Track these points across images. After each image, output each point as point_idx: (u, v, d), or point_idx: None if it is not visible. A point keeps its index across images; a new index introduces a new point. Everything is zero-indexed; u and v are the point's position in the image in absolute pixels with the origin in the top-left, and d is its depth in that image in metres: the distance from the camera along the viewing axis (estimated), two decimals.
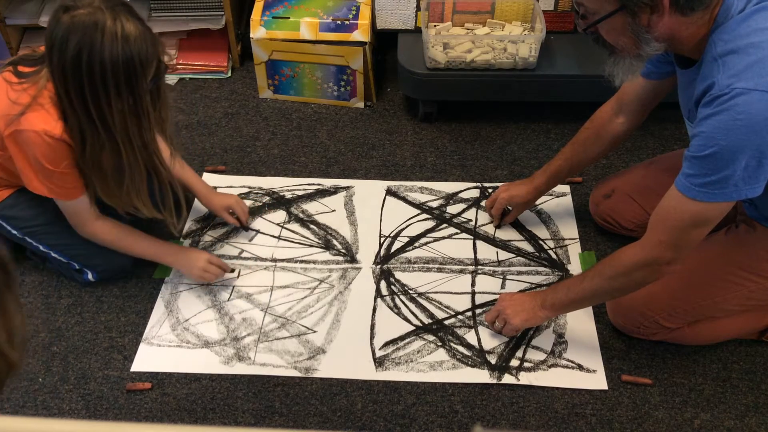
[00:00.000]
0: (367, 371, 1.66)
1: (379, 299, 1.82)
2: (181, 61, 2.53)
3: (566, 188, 2.12)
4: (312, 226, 2.01)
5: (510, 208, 1.95)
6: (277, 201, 2.08)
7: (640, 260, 1.42)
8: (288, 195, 2.10)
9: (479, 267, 1.90)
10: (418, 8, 2.33)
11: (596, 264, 1.54)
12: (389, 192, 2.12)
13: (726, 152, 1.21)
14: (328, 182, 2.14)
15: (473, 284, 1.86)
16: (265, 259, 1.91)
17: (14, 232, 1.77)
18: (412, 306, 1.80)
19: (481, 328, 1.75)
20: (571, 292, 1.56)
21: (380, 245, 1.96)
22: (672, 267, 1.40)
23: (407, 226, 2.01)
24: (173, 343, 1.72)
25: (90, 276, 1.81)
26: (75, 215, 1.69)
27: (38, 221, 1.75)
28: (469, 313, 1.78)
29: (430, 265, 1.90)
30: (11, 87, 1.51)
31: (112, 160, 1.54)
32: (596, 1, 1.27)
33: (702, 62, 1.29)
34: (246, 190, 2.12)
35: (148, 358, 1.69)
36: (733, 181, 1.24)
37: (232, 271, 1.85)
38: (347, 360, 1.68)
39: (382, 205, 2.08)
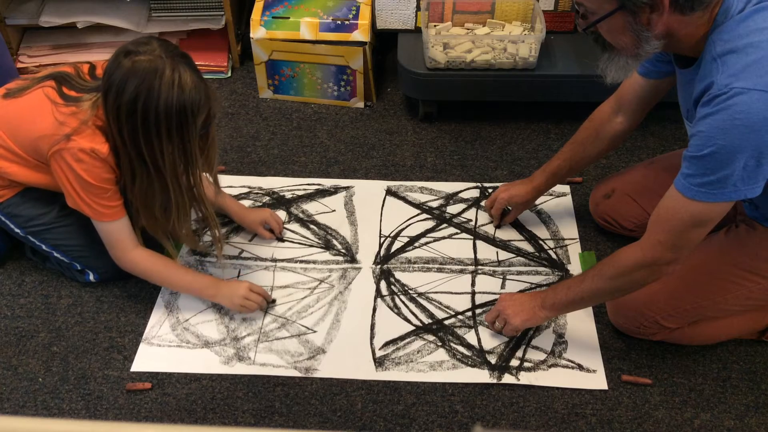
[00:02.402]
0: (367, 371, 1.66)
1: (379, 299, 1.82)
2: None
3: (566, 188, 2.12)
4: (312, 226, 2.01)
5: (510, 208, 1.95)
6: (277, 201, 2.08)
7: (639, 261, 1.42)
8: (288, 195, 2.10)
9: (479, 267, 1.90)
10: (418, 8, 2.33)
11: (596, 264, 1.54)
12: (389, 192, 2.12)
13: (724, 152, 1.21)
14: (328, 182, 2.14)
15: (473, 284, 1.86)
16: (265, 259, 1.91)
17: (18, 230, 1.77)
18: (412, 306, 1.80)
19: (481, 328, 1.75)
20: (571, 293, 1.56)
21: (380, 245, 1.96)
22: (672, 267, 1.40)
23: (407, 226, 2.01)
24: (173, 343, 1.72)
25: (91, 276, 1.82)
26: (115, 242, 1.68)
27: (43, 220, 1.75)
28: (469, 313, 1.78)
29: (430, 265, 1.90)
30: (57, 108, 1.55)
31: (161, 197, 1.59)
32: (596, 1, 1.27)
33: (701, 62, 1.29)
34: (246, 190, 2.12)
35: (148, 358, 1.69)
36: (732, 181, 1.24)
37: (273, 301, 1.80)
38: (347, 360, 1.68)
39: (382, 205, 2.08)
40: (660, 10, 1.23)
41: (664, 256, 1.38)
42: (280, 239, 1.96)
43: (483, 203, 2.05)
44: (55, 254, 1.79)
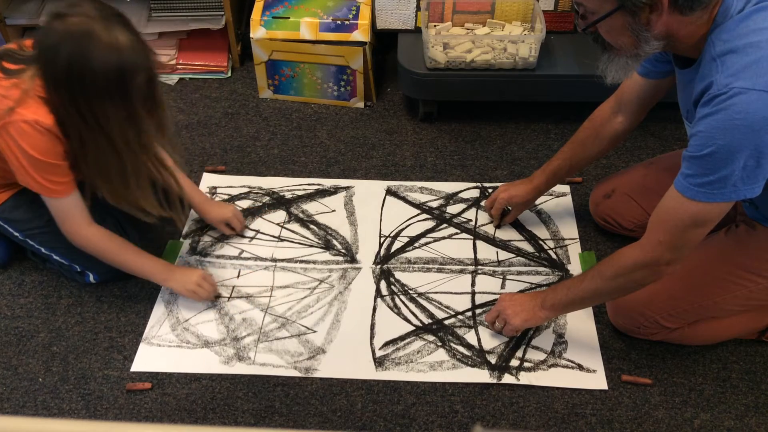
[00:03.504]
0: (367, 371, 1.66)
1: (379, 299, 1.82)
2: (181, 61, 2.53)
3: (566, 188, 2.12)
4: (312, 226, 2.01)
5: (509, 208, 1.95)
6: (277, 201, 2.08)
7: (639, 261, 1.42)
8: (288, 195, 2.10)
9: (479, 267, 1.90)
10: (418, 8, 2.33)
11: (596, 264, 1.54)
12: (389, 192, 2.12)
13: (724, 152, 1.21)
14: (328, 182, 2.14)
15: (473, 284, 1.85)
16: (265, 259, 1.91)
17: (16, 234, 1.77)
18: (412, 306, 1.80)
19: (481, 328, 1.75)
20: (571, 293, 1.56)
21: (380, 245, 1.96)
22: (672, 267, 1.40)
23: (407, 226, 2.01)
24: (173, 343, 1.72)
25: (91, 277, 1.81)
26: (67, 219, 1.63)
27: (39, 223, 1.74)
28: (469, 313, 1.78)
29: (430, 265, 1.90)
30: None
31: (115, 164, 1.54)
32: (596, 1, 1.27)
33: (700, 62, 1.29)
34: (246, 190, 2.12)
35: (148, 358, 1.69)
36: (731, 181, 1.24)
37: (219, 296, 1.81)
38: (347, 360, 1.68)
39: (382, 205, 2.08)
40: (659, 10, 1.23)
41: (664, 256, 1.38)
42: (241, 236, 1.96)
43: (483, 203, 2.05)
44: (55, 257, 1.78)
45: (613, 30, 1.29)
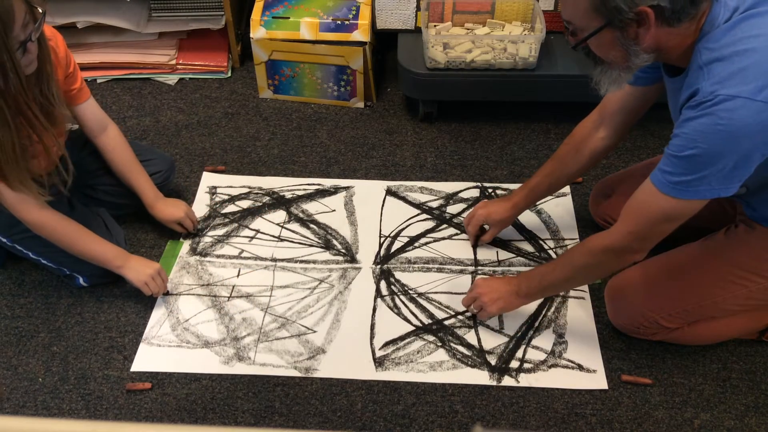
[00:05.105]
0: (367, 371, 1.66)
1: (379, 299, 1.82)
2: (181, 61, 2.53)
3: (566, 188, 2.11)
4: (312, 226, 2.01)
5: (487, 226, 1.93)
6: (277, 201, 2.08)
7: (607, 246, 1.46)
8: (288, 195, 2.10)
9: (479, 267, 1.90)
10: (418, 8, 2.33)
11: (567, 251, 1.59)
12: (389, 192, 2.12)
13: (705, 156, 1.23)
14: (328, 182, 2.14)
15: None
16: (265, 259, 1.91)
17: (4, 240, 1.75)
18: (412, 306, 1.80)
19: (481, 328, 1.75)
20: (545, 281, 1.61)
21: (380, 245, 1.96)
22: (637, 256, 1.45)
23: (407, 226, 2.01)
24: (173, 343, 1.72)
25: (81, 281, 1.81)
26: (15, 203, 1.58)
27: (23, 227, 1.67)
28: (469, 313, 1.78)
29: (430, 265, 1.90)
30: None
31: None
32: (583, 19, 1.28)
33: (688, 70, 1.30)
34: (246, 190, 2.12)
35: (148, 358, 1.69)
36: (707, 181, 1.26)
37: (168, 293, 1.81)
38: (347, 360, 1.68)
39: (382, 205, 2.08)
40: (647, 24, 1.23)
41: (631, 246, 1.42)
42: (194, 234, 1.96)
43: (464, 216, 2.01)
44: (43, 261, 1.77)
45: (603, 45, 1.31)
